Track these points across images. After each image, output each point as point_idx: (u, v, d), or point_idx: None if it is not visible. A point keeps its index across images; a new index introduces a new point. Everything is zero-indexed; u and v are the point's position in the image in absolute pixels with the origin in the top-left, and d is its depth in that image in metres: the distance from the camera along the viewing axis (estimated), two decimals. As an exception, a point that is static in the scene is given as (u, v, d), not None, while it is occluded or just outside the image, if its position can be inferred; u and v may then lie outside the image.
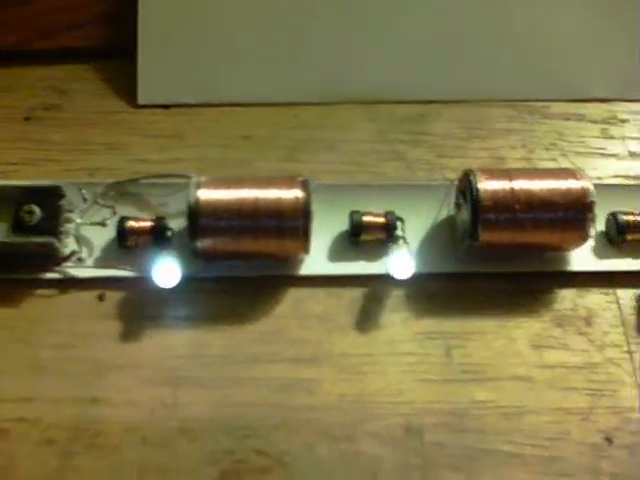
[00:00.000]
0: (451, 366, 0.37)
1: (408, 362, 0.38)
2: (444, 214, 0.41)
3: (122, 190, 0.42)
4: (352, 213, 0.40)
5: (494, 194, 0.37)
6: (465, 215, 0.39)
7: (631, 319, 0.39)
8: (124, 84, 0.48)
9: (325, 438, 0.35)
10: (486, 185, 0.37)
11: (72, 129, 0.46)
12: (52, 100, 0.47)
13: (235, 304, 0.39)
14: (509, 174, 0.38)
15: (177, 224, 0.40)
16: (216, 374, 0.37)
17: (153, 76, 0.47)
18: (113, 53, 0.49)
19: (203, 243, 0.38)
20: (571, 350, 0.38)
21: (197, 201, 0.37)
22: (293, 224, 0.38)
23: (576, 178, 0.38)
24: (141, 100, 0.47)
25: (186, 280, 0.39)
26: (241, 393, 0.37)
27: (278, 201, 0.38)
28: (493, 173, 0.38)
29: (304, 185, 0.38)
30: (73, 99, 0.47)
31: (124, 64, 0.48)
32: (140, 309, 0.39)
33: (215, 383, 0.37)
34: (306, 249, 0.39)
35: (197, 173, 0.39)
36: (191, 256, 0.38)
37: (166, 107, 0.47)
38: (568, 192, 0.37)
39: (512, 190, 0.37)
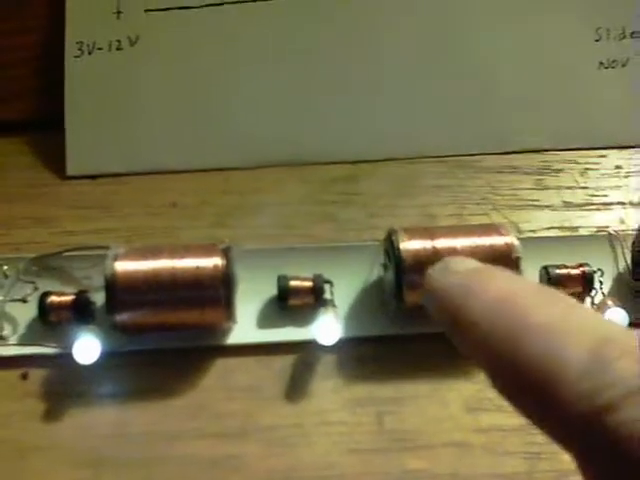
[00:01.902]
0: (382, 434, 0.36)
1: (338, 432, 0.36)
2: (374, 275, 0.40)
3: (45, 264, 0.41)
4: (279, 277, 0.39)
5: (416, 254, 0.36)
6: (391, 276, 0.38)
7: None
8: (53, 156, 0.47)
9: (252, 519, 0.34)
10: (408, 245, 0.37)
11: (-1, 204, 0.45)
12: (-21, 175, 0.46)
13: (159, 378, 0.38)
14: (431, 233, 0.37)
15: (101, 297, 0.39)
16: (139, 453, 0.35)
17: (81, 147, 0.46)
18: (41, 126, 0.48)
19: (122, 317, 0.37)
20: (507, 412, 0.36)
21: (114, 274, 0.36)
22: (213, 293, 0.36)
23: (500, 234, 0.37)
24: (70, 171, 0.46)
25: (110, 355, 0.37)
26: (164, 473, 0.35)
27: (196, 270, 0.36)
28: (415, 232, 0.37)
29: (224, 252, 0.37)
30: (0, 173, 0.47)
31: (53, 136, 0.47)
32: (63, 387, 0.38)
33: (137, 463, 0.35)
34: (230, 318, 0.37)
35: (124, 244, 0.38)
36: (112, 330, 0.37)
37: (93, 177, 0.46)
38: (492, 248, 0.37)
39: (434, 249, 0.36)
